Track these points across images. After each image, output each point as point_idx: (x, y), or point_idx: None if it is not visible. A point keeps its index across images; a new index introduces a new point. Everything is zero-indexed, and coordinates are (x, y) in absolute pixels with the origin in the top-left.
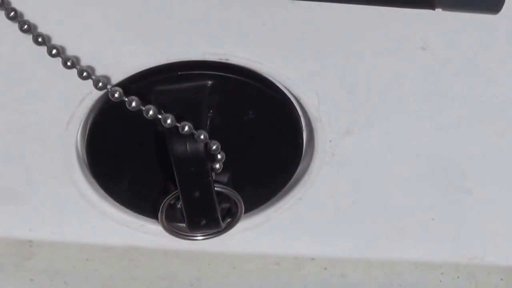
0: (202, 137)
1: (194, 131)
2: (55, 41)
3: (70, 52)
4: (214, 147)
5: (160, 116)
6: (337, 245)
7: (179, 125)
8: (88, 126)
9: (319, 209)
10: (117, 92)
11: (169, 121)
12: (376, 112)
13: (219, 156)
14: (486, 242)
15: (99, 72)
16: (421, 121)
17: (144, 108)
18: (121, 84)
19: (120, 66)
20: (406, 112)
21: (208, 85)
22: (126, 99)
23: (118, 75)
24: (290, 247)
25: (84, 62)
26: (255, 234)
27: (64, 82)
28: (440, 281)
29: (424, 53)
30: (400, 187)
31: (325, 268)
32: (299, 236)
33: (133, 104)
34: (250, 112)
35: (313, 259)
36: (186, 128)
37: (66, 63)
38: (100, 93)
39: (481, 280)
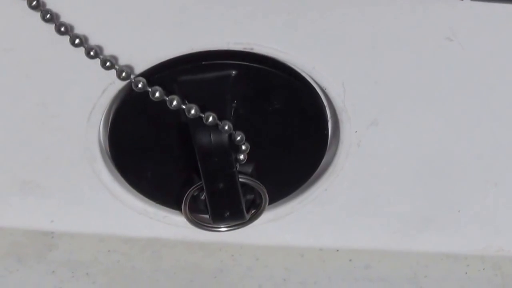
0: (226, 127)
1: (219, 122)
2: (78, 30)
3: (93, 42)
4: (238, 138)
5: (184, 107)
6: (362, 236)
7: (203, 115)
8: (111, 117)
9: (344, 200)
10: (141, 82)
11: (193, 111)
12: (401, 103)
13: (243, 147)
14: None
15: (122, 62)
16: (447, 111)
17: (167, 99)
18: (144, 74)
19: (144, 55)
20: (432, 103)
21: (233, 75)
22: (150, 89)
23: (141, 65)
24: (315, 238)
25: (107, 52)
26: (279, 225)
27: (86, 72)
28: (466, 273)
29: (450, 44)
30: (426, 178)
31: (350, 260)
32: (323, 227)
33: (157, 94)
34: (275, 102)
35: (337, 250)
36: (210, 119)
37: (89, 53)
38: (123, 83)
39: (507, 271)
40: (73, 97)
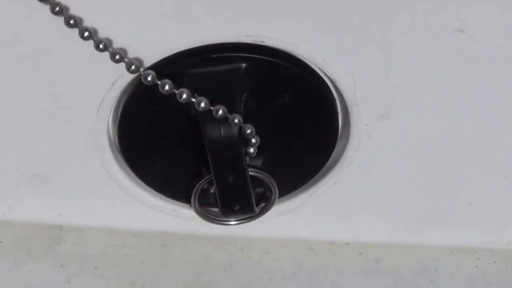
0: (236, 121)
1: (228, 115)
2: (87, 23)
3: (102, 34)
4: (248, 131)
5: (193, 100)
6: (372, 230)
7: (213, 108)
8: (120, 110)
9: (354, 193)
10: (150, 76)
11: (202, 104)
12: (412, 95)
13: (253, 140)
14: None
15: (131, 54)
16: (457, 104)
17: (177, 92)
18: (154, 67)
19: (153, 48)
20: (442, 95)
21: (242, 67)
22: (159, 83)
23: (150, 58)
24: (325, 232)
25: (116, 45)
26: (289, 219)
27: (96, 65)
28: (476, 266)
29: (462, 36)
30: (436, 171)
31: (360, 253)
32: (333, 220)
33: (166, 87)
34: (285, 95)
35: (347, 244)
36: (220, 112)
37: (99, 46)
38: (132, 76)
39: None
40: (82, 90)
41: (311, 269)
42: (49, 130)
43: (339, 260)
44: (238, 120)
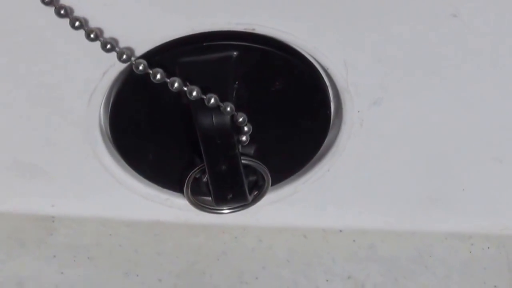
0: (228, 109)
1: (220, 103)
2: (78, 13)
3: (93, 24)
4: (240, 119)
5: (185, 89)
6: (365, 216)
7: (205, 97)
8: (112, 99)
9: (347, 180)
10: (142, 65)
11: (194, 93)
12: (404, 82)
13: (245, 128)
14: None
15: (122, 44)
16: (451, 90)
17: (169, 81)
18: (145, 56)
19: (144, 37)
20: (435, 81)
21: (234, 56)
22: (151, 72)
23: (142, 47)
24: (318, 219)
25: (108, 34)
26: (282, 206)
27: (87, 55)
28: (470, 252)
29: (455, 21)
30: (429, 157)
31: (354, 240)
32: (327, 208)
33: (158, 76)
34: (277, 83)
35: (341, 231)
36: (212, 101)
37: (90, 35)
38: (123, 65)
39: None
40: (74, 80)
41: (305, 256)
42: (41, 120)
43: (332, 247)
44: (230, 108)
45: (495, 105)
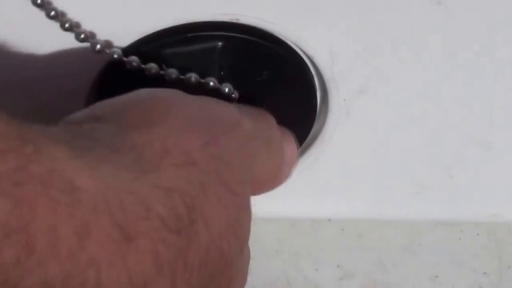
0: (211, 84)
1: (202, 80)
2: (58, 5)
3: (73, 16)
4: (227, 89)
5: (163, 72)
6: (354, 206)
7: (184, 77)
8: (88, 91)
9: (335, 169)
10: (116, 53)
11: (174, 76)
12: (390, 69)
13: (233, 96)
14: (505, 199)
15: (104, 36)
16: (436, 77)
17: (146, 67)
18: (128, 48)
19: (126, 29)
20: (421, 68)
21: (218, 46)
22: (126, 59)
23: (124, 39)
24: (306, 209)
25: (89, 26)
26: (270, 196)
27: (62, 46)
28: (460, 239)
29: (439, 8)
30: (416, 145)
31: (343, 229)
32: (315, 197)
33: (134, 64)
34: (262, 73)
35: (329, 220)
36: (193, 79)
37: (64, 26)
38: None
39: (501, 237)
40: (50, 74)
41: (294, 246)
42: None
43: (321, 236)
44: (213, 82)
45: (481, 93)
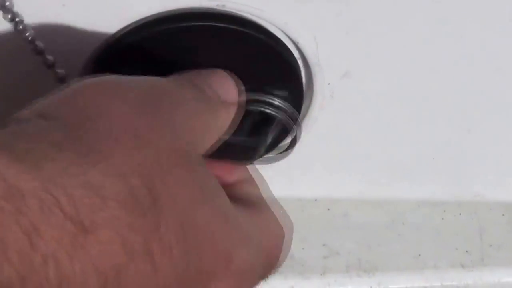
0: None
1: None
2: None
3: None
4: None
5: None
6: (339, 186)
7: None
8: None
9: (321, 151)
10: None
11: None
12: (374, 53)
13: None
14: (487, 179)
15: (91, 22)
16: (419, 61)
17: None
18: (113, 37)
19: (114, 17)
20: (405, 53)
21: (203, 34)
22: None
23: (109, 28)
24: (293, 189)
25: (78, 12)
26: None
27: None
28: (443, 218)
29: None
30: (400, 128)
31: (328, 209)
32: (301, 178)
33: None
34: (247, 60)
35: (316, 200)
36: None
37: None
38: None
39: (483, 216)
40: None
41: None
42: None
43: (308, 216)
44: None
45: (465, 76)
